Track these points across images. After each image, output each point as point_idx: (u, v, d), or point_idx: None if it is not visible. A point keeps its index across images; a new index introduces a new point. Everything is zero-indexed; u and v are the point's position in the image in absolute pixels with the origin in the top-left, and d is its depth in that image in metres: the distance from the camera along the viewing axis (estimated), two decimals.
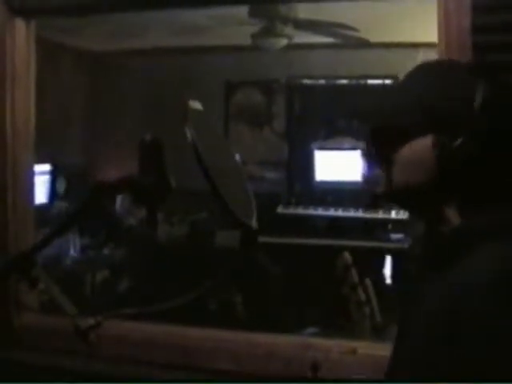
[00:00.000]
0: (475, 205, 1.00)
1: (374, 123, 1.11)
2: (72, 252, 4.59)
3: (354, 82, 5.60)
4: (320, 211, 5.31)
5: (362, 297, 2.35)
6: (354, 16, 3.94)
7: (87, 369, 1.92)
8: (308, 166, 5.57)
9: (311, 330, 3.37)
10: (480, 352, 0.83)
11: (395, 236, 4.89)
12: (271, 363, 1.87)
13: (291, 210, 5.38)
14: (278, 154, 5.91)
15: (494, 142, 0.98)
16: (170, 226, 4.41)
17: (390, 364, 1.06)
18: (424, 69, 1.09)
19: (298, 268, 4.46)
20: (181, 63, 5.79)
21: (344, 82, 5.74)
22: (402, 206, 1.15)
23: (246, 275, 3.27)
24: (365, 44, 4.84)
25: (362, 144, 5.26)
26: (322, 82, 5.88)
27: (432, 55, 1.65)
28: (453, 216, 1.02)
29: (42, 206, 4.75)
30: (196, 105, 1.14)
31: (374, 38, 4.80)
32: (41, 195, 4.86)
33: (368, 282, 2.48)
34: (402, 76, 1.12)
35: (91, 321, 1.15)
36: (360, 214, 5.18)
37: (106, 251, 4.78)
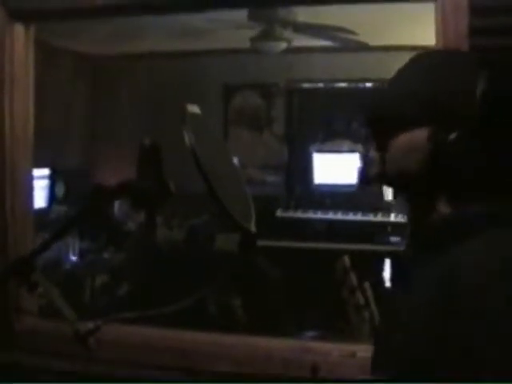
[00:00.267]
0: (467, 195, 1.00)
1: (372, 112, 1.11)
2: (71, 256, 4.59)
3: (353, 85, 5.61)
4: (319, 214, 5.31)
5: (361, 300, 2.35)
6: (353, 19, 3.94)
7: (87, 372, 1.92)
8: (307, 169, 5.58)
9: (310, 333, 3.37)
10: (481, 337, 0.84)
11: (394, 239, 4.89)
12: (270, 366, 1.87)
13: (290, 214, 5.39)
14: (278, 157, 5.91)
15: (491, 136, 0.98)
16: (169, 230, 4.40)
17: (376, 361, 1.06)
18: (424, 58, 1.08)
19: (297, 271, 4.46)
20: (180, 67, 5.79)
21: (343, 85, 5.75)
22: (392, 187, 1.14)
23: (246, 279, 3.27)
24: (364, 47, 4.85)
25: (360, 147, 5.27)
26: (321, 85, 5.89)
27: None
28: (442, 205, 1.02)
29: (40, 211, 4.75)
30: (194, 108, 1.14)
31: (372, 42, 4.81)
32: (40, 199, 4.86)
33: (367, 285, 2.48)
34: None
35: (90, 325, 1.15)
36: (359, 217, 5.19)
37: (105, 255, 4.78)
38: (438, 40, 1.67)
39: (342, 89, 5.75)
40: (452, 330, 0.87)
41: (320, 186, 5.52)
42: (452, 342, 0.86)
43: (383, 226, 5.09)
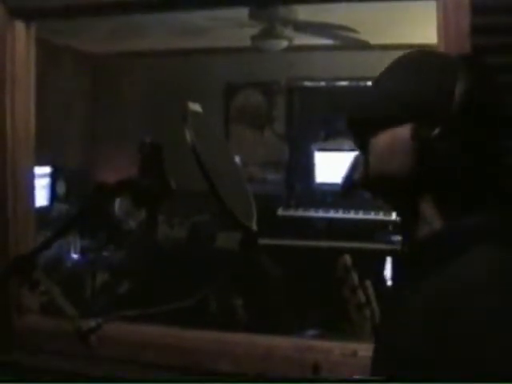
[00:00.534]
0: (457, 206, 0.99)
1: (351, 113, 1.11)
2: (72, 254, 4.60)
3: (354, 83, 5.61)
4: (320, 213, 5.31)
5: (363, 299, 2.35)
6: (354, 18, 3.94)
7: (88, 371, 1.92)
8: (308, 167, 5.58)
9: (312, 332, 3.37)
10: (479, 351, 0.83)
11: (396, 238, 4.89)
12: (271, 365, 1.87)
13: (291, 212, 5.39)
14: (279, 155, 5.92)
15: (473, 136, 0.97)
16: (170, 228, 4.40)
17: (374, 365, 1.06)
18: (402, 60, 1.08)
19: (299, 270, 4.46)
20: (181, 65, 5.79)
21: (344, 83, 5.75)
22: (376, 194, 1.11)
23: (247, 277, 3.27)
24: (365, 46, 4.85)
25: None
26: (323, 83, 5.89)
27: None
28: (433, 216, 1.01)
29: (42, 209, 4.75)
30: (195, 107, 1.14)
31: (373, 40, 4.80)
32: (41, 198, 4.86)
33: (368, 283, 2.48)
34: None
35: (92, 323, 1.15)
36: (360, 215, 5.19)
37: (106, 253, 4.79)
38: (439, 39, 1.66)
39: (343, 87, 5.74)
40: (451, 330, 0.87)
41: (321, 184, 5.51)
42: (452, 342, 0.86)
43: (384, 224, 5.08)
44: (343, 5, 2.67)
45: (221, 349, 1.95)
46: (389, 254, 4.79)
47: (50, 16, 2.20)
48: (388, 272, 4.80)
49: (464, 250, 0.93)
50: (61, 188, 5.27)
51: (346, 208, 5.23)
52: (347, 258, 2.44)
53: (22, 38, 2.10)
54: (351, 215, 5.21)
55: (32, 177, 2.24)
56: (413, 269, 1.03)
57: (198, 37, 5.11)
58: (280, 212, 5.38)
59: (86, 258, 4.66)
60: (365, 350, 1.81)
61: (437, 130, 0.97)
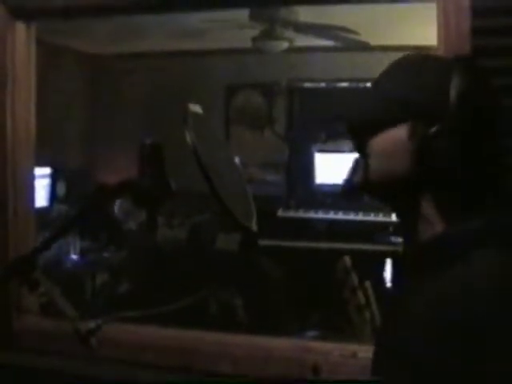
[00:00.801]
0: (457, 206, 0.99)
1: (351, 117, 1.12)
2: (72, 255, 4.60)
3: (354, 84, 5.61)
4: (320, 214, 5.31)
5: (362, 300, 2.35)
6: (355, 19, 3.94)
7: (87, 372, 1.92)
8: (308, 168, 5.58)
9: (311, 333, 3.37)
10: (480, 355, 0.83)
11: (396, 239, 4.89)
12: (271, 366, 1.87)
13: (291, 213, 5.39)
14: (279, 156, 5.92)
15: (471, 133, 0.98)
16: (170, 229, 4.40)
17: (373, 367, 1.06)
18: (401, 62, 1.09)
19: (299, 271, 4.46)
20: (181, 66, 5.80)
21: (344, 84, 5.75)
22: (376, 197, 1.11)
23: (247, 278, 3.27)
24: (365, 47, 4.85)
25: None
26: (323, 84, 5.89)
27: None
28: (433, 217, 1.01)
29: (42, 209, 4.75)
30: (196, 108, 1.14)
31: (374, 41, 4.81)
32: (41, 198, 4.86)
33: (368, 285, 2.48)
34: None
35: (91, 324, 1.15)
36: (360, 216, 5.18)
37: (106, 254, 4.79)
38: (439, 40, 1.66)
39: (343, 88, 5.74)
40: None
41: (321, 185, 5.51)
42: (452, 345, 0.86)
43: (384, 225, 5.08)
44: (344, 6, 2.66)
45: (221, 350, 1.94)
46: (389, 256, 4.79)
47: (50, 16, 2.20)
48: (388, 273, 4.80)
49: (465, 254, 0.93)
50: (61, 189, 5.28)
51: (346, 209, 5.23)
52: (347, 260, 2.45)
53: (22, 38, 2.10)
54: (351, 216, 5.21)
55: (32, 177, 2.24)
56: (414, 272, 1.03)
57: (198, 38, 5.11)
58: (280, 213, 5.38)
59: (85, 259, 4.67)
60: (365, 351, 1.81)
61: (434, 129, 0.97)
